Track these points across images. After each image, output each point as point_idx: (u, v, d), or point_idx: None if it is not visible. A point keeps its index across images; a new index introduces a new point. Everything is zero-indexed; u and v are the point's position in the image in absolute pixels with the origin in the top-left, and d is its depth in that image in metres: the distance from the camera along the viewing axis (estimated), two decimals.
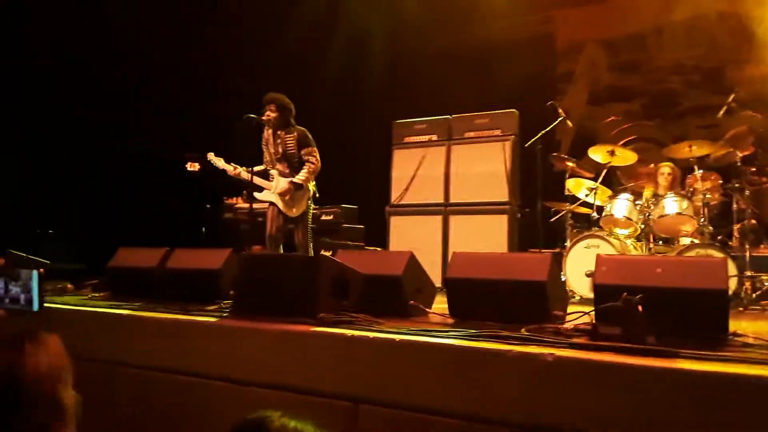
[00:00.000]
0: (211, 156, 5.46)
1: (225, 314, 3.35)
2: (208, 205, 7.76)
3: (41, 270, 1.43)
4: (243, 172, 5.36)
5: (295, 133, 5.37)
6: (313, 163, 5.35)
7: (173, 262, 4.18)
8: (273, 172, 5.42)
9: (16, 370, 1.23)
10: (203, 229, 7.74)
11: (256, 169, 5.41)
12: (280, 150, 5.39)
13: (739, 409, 1.98)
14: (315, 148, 5.42)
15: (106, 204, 8.23)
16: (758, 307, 4.50)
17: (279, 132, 5.39)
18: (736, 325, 2.77)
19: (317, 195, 5.59)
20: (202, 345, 3.13)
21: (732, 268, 4.40)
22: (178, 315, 3.39)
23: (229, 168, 5.38)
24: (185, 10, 8.37)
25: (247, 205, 7.04)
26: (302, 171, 5.34)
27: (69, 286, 4.71)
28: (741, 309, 4.39)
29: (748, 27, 7.57)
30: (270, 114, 5.32)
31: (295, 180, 5.32)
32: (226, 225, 7.45)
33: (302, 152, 5.36)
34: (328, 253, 5.17)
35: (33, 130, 7.71)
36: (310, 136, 5.43)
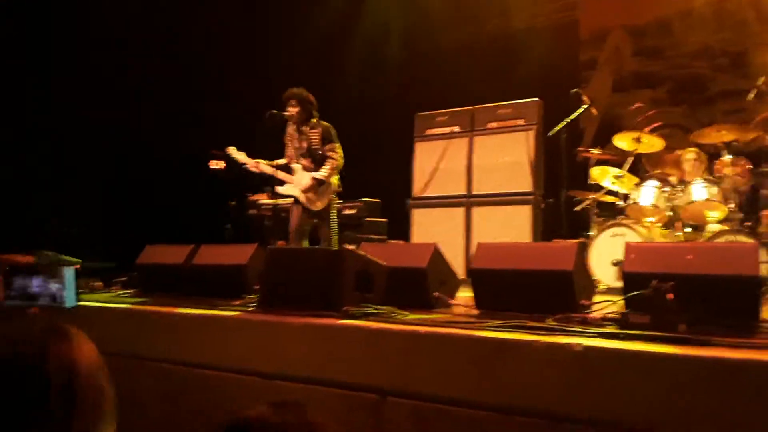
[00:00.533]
0: (231, 150, 5.50)
1: (251, 308, 3.38)
2: (233, 202, 7.82)
3: (77, 266, 1.45)
4: (263, 166, 5.38)
5: (320, 129, 5.39)
6: (335, 159, 5.37)
7: (200, 258, 4.23)
8: (296, 166, 5.44)
9: (73, 364, 1.24)
10: (228, 225, 7.81)
11: (278, 162, 5.44)
12: (305, 145, 5.41)
13: None
14: (338, 144, 5.43)
15: (134, 202, 8.35)
16: None
17: (303, 127, 5.41)
18: (766, 312, 2.71)
19: (341, 189, 5.60)
20: (229, 339, 3.16)
21: (763, 255, 4.29)
22: (205, 310, 3.43)
23: (250, 162, 5.41)
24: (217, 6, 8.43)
25: (270, 201, 7.09)
26: (324, 167, 5.35)
27: (98, 283, 4.80)
28: None
29: None
30: (291, 110, 5.34)
31: (316, 176, 5.33)
32: (250, 221, 7.51)
33: (325, 148, 5.37)
34: (351, 247, 5.21)
35: (61, 128, 7.85)
36: (334, 131, 5.44)
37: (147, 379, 3.33)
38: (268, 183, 5.63)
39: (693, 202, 5.05)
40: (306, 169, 5.42)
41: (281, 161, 5.50)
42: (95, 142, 8.04)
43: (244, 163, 5.44)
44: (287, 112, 5.34)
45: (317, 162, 5.41)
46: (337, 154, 5.39)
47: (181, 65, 8.43)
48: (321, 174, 5.33)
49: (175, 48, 8.34)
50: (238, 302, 3.62)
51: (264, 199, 7.44)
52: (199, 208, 8.40)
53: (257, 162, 5.41)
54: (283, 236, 6.46)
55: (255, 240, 6.17)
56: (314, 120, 5.41)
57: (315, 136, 5.39)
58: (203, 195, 8.49)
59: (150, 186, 8.48)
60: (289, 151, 5.53)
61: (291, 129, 5.50)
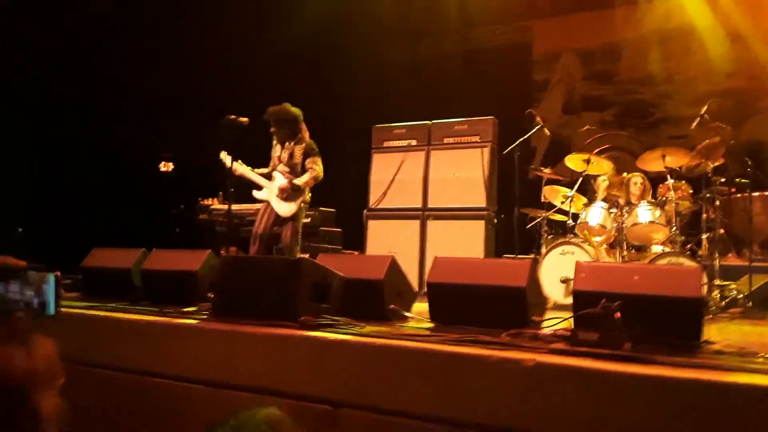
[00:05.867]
0: (223, 154, 5.50)
1: (204, 316, 3.33)
2: (183, 206, 7.67)
3: (58, 273, 1.41)
4: (248, 173, 5.46)
5: (303, 145, 5.49)
6: (315, 170, 5.45)
7: (150, 263, 4.13)
8: (275, 173, 5.51)
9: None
10: (177, 230, 7.65)
11: (261, 170, 5.54)
12: (286, 157, 5.49)
13: (711, 415, 2.03)
14: (319, 158, 5.50)
15: (78, 203, 8.08)
16: (726, 315, 4.61)
17: (287, 143, 5.47)
18: (706, 332, 2.84)
19: (308, 200, 5.66)
20: (180, 347, 3.09)
21: (704, 277, 4.50)
22: (155, 317, 3.35)
23: (236, 166, 5.43)
24: (169, 8, 8.27)
25: (223, 207, 6.98)
26: (305, 175, 5.42)
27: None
28: (710, 317, 4.49)
29: (719, 41, 7.79)
30: (272, 129, 5.48)
31: (295, 181, 5.40)
32: (200, 226, 7.37)
33: (306, 161, 5.44)
34: (305, 256, 5.18)
35: (4, 124, 7.53)
36: (316, 148, 5.53)
37: (92, 387, 3.22)
38: (227, 186, 5.60)
39: (638, 223, 5.24)
40: (285, 175, 5.49)
41: (265, 170, 5.57)
42: (42, 142, 7.76)
43: (230, 167, 5.43)
44: (271, 129, 5.45)
45: (296, 174, 5.49)
46: (318, 166, 5.47)
47: (135, 65, 8.24)
48: (300, 180, 5.42)
49: (126, 46, 8.14)
50: (190, 310, 3.55)
51: (215, 204, 7.33)
52: (147, 212, 8.20)
53: (241, 164, 5.45)
54: (236, 242, 6.39)
55: (205, 245, 6.07)
56: (300, 136, 5.46)
57: (298, 150, 5.48)
58: (152, 198, 8.30)
59: (96, 187, 8.22)
60: (273, 160, 5.59)
61: (275, 140, 5.59)
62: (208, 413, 2.83)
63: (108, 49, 8.09)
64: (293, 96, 5.84)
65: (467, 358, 2.46)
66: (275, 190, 5.43)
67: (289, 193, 5.40)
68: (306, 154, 5.47)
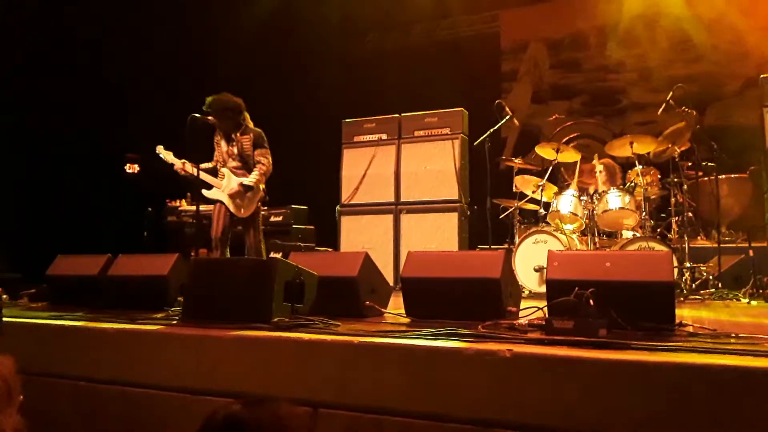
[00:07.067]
0: (160, 149, 5.22)
1: (174, 322, 3.25)
2: (150, 208, 7.52)
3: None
4: (189, 168, 5.10)
5: (251, 134, 5.22)
6: (264, 164, 5.21)
7: (117, 269, 4.04)
8: (224, 170, 5.25)
9: None
10: (145, 233, 7.50)
11: (205, 165, 5.21)
12: (235, 151, 5.25)
13: (688, 397, 2.05)
14: (268, 150, 5.28)
15: (42, 209, 7.86)
16: (698, 297, 4.69)
17: (232, 134, 5.24)
18: (679, 314, 2.87)
19: (267, 198, 5.45)
20: (151, 354, 3.02)
21: (673, 261, 4.56)
22: (124, 324, 3.26)
23: (177, 162, 5.16)
24: (130, 5, 8.08)
25: (191, 208, 6.85)
26: (254, 172, 5.19)
27: (4, 296, 4.47)
28: (681, 299, 4.56)
29: (684, 28, 7.91)
30: (215, 120, 5.14)
31: (245, 182, 5.16)
32: (169, 228, 7.25)
33: (255, 153, 5.23)
34: (278, 255, 5.08)
35: None
36: (264, 137, 5.29)
37: (63, 399, 3.13)
38: (194, 186, 5.36)
39: (608, 210, 5.29)
40: (235, 173, 5.25)
41: (209, 165, 5.28)
42: (1, 145, 7.52)
43: (172, 164, 5.17)
44: (213, 120, 5.15)
45: (247, 166, 5.24)
46: (267, 160, 5.23)
47: (97, 64, 8.03)
48: (250, 180, 5.16)
49: (90, 44, 7.93)
50: (159, 315, 3.47)
51: (183, 206, 7.20)
52: (114, 215, 8.03)
53: (183, 162, 5.12)
54: (205, 244, 6.25)
55: (174, 248, 5.95)
56: (244, 125, 5.25)
57: (246, 141, 5.21)
58: (118, 200, 8.12)
59: (60, 191, 8.01)
60: (217, 154, 5.34)
61: (218, 133, 5.32)
62: (183, 421, 2.77)
63: (68, 47, 7.86)
64: (261, 92, 5.73)
65: (445, 352, 2.45)
66: (227, 191, 5.18)
67: (243, 194, 5.19)
68: (255, 144, 5.22)
